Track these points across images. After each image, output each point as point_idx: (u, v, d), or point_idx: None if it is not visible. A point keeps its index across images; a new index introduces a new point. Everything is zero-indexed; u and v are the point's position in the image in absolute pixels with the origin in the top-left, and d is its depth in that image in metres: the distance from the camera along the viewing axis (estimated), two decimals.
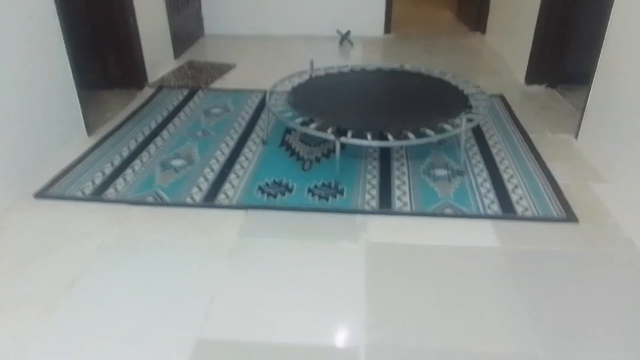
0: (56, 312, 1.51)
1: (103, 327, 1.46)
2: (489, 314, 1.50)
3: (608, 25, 2.26)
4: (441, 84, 2.63)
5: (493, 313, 1.51)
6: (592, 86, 2.41)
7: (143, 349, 1.38)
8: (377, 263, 1.71)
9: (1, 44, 1.97)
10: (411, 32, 4.73)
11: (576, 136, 2.52)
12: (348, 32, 4.27)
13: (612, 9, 2.23)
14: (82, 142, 2.52)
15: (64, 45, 2.36)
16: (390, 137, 2.10)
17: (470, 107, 2.39)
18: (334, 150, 2.27)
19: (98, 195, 2.09)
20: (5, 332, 1.44)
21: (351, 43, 4.22)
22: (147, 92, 3.22)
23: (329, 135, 2.13)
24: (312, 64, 2.80)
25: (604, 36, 2.30)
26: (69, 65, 2.41)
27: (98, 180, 2.19)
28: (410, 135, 2.11)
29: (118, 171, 2.27)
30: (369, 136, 2.10)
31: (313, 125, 2.21)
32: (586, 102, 2.45)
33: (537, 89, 3.25)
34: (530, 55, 3.26)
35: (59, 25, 2.31)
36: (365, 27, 4.47)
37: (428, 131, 2.14)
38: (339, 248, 1.79)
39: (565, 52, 3.17)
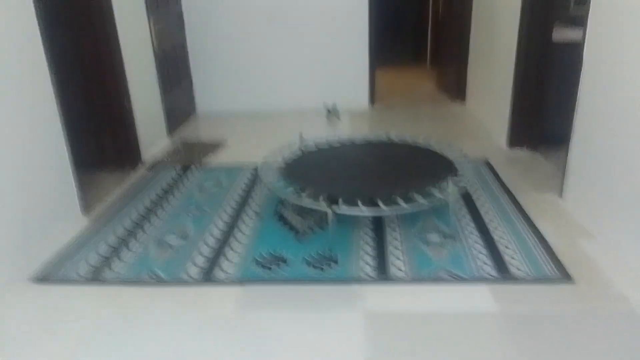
0: None
1: None
2: None
3: (579, 86, 2.40)
4: (427, 152, 2.73)
5: None
6: (570, 146, 2.52)
7: None
8: (375, 332, 1.70)
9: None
10: (395, 102, 4.95)
11: (560, 195, 2.60)
12: (334, 106, 4.45)
13: (582, 71, 2.38)
14: (78, 221, 2.55)
15: (61, 126, 2.43)
16: (380, 204, 2.16)
17: (456, 171, 2.48)
18: (327, 220, 2.32)
19: (94, 276, 2.09)
20: None
21: (338, 117, 4.39)
22: (141, 171, 3.29)
23: (321, 205, 2.18)
24: (301, 136, 2.90)
25: (576, 97, 2.43)
26: (65, 146, 2.47)
27: (93, 261, 2.20)
28: (400, 201, 2.17)
29: (113, 250, 2.28)
30: (359, 203, 2.16)
31: (305, 195, 2.27)
32: (566, 161, 2.55)
33: (519, 152, 3.38)
34: (510, 120, 3.42)
35: (57, 107, 2.39)
36: (351, 100, 4.67)
37: (417, 196, 2.21)
38: (337, 318, 1.79)
39: (543, 115, 3.33)
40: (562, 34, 3.19)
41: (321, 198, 2.21)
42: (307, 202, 2.25)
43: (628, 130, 2.01)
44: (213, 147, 3.72)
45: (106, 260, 2.20)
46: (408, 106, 4.83)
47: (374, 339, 1.67)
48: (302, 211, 2.57)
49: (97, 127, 3.29)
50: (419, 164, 2.61)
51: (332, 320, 1.78)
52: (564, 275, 1.96)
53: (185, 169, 3.29)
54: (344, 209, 2.15)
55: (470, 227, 2.37)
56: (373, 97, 4.78)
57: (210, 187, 2.98)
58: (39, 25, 2.27)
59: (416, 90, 5.56)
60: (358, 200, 2.18)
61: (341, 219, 2.39)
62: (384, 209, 2.16)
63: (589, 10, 2.30)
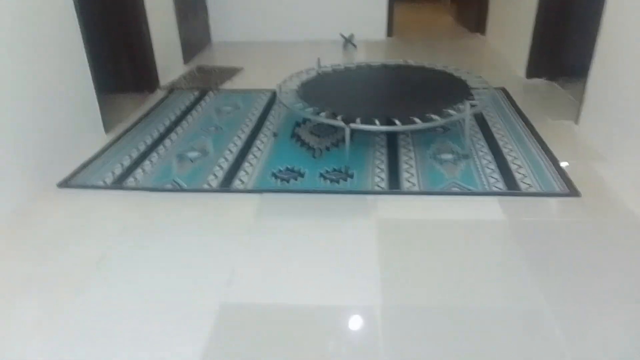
0: (86, 286, 1.59)
1: (132, 298, 1.54)
2: (496, 275, 1.58)
3: (602, 19, 2.36)
4: (444, 76, 2.74)
5: (500, 274, 1.59)
6: (589, 75, 2.50)
7: (172, 315, 1.46)
8: (388, 236, 1.79)
9: (29, 51, 2.09)
10: (412, 35, 4.86)
11: (576, 121, 2.61)
12: (351, 36, 4.39)
13: (606, 3, 2.33)
14: (101, 139, 2.63)
15: (84, 51, 2.48)
16: (397, 122, 2.20)
17: (473, 95, 2.49)
18: (343, 140, 2.38)
19: (118, 184, 2.19)
20: (40, 304, 1.52)
21: (354, 46, 4.34)
22: (160, 94, 3.34)
23: (339, 122, 2.23)
24: (319, 61, 2.91)
25: (598, 29, 2.40)
26: (88, 69, 2.53)
27: (118, 171, 2.29)
28: (417, 120, 2.20)
29: (136, 163, 2.37)
30: (377, 122, 2.20)
31: (323, 115, 2.31)
32: (585, 89, 2.54)
33: (537, 81, 3.35)
34: (530, 50, 3.37)
35: (80, 34, 2.44)
36: (368, 31, 4.60)
37: (433, 116, 2.24)
38: (350, 225, 1.88)
39: (564, 46, 3.28)
40: None
41: (339, 118, 2.25)
42: (324, 119, 2.29)
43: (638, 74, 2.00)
44: (229, 73, 3.73)
45: (130, 171, 2.29)
46: (426, 39, 4.75)
47: (387, 242, 1.75)
48: (319, 131, 2.62)
49: (116, 52, 3.31)
50: (436, 87, 2.62)
51: (347, 226, 1.87)
52: (572, 190, 2.01)
53: (203, 93, 3.33)
54: (360, 125, 2.19)
55: (484, 148, 2.40)
56: (391, 29, 4.70)
57: (228, 110, 3.03)
58: None
59: (435, 24, 5.45)
60: (374, 119, 2.22)
61: (356, 140, 2.44)
62: (398, 126, 2.19)
63: None
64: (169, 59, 3.66)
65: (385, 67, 2.94)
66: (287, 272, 1.63)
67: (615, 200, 1.95)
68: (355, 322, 1.42)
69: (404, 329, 1.38)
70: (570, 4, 3.17)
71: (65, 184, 2.20)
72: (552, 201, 1.97)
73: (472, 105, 2.35)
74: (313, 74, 2.84)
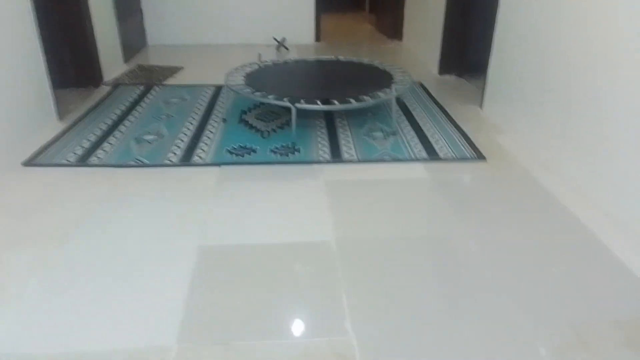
0: (69, 240, 1.77)
1: (112, 249, 1.74)
2: (423, 214, 1.97)
3: (496, 22, 2.89)
4: (371, 68, 3.15)
5: (426, 213, 1.98)
6: (489, 67, 3.02)
7: (153, 259, 1.69)
8: (335, 192, 2.13)
9: None
10: (338, 40, 5.30)
11: (481, 106, 3.12)
12: (284, 39, 4.74)
13: (498, 12, 2.86)
14: (55, 126, 2.75)
15: (40, 47, 2.65)
16: (335, 102, 2.55)
17: (396, 83, 2.91)
18: (287, 124, 2.70)
19: (82, 162, 2.35)
20: (29, 256, 1.69)
21: (287, 49, 4.69)
22: (104, 89, 3.47)
23: (286, 102, 2.55)
24: (259, 55, 3.22)
25: (494, 31, 2.93)
26: (43, 63, 2.70)
27: (79, 152, 2.45)
28: (352, 100, 2.57)
29: (96, 145, 2.53)
30: (318, 102, 2.54)
31: (271, 97, 2.62)
32: (486, 79, 3.05)
33: (448, 77, 3.88)
34: (441, 51, 3.90)
35: (36, 32, 2.61)
36: (298, 36, 4.97)
37: (365, 97, 2.62)
38: (302, 185, 2.19)
39: (468, 47, 3.83)
40: None
41: (285, 99, 2.57)
42: (273, 100, 2.60)
43: (527, 60, 2.52)
44: (171, 71, 3.93)
45: (90, 152, 2.46)
46: (350, 43, 5.21)
47: (334, 196, 2.09)
48: (264, 117, 2.92)
49: (61, 50, 3.41)
50: (365, 76, 3.02)
51: (299, 187, 2.18)
52: (479, 155, 2.47)
53: (148, 88, 3.51)
54: (304, 105, 2.53)
55: (407, 127, 2.83)
56: (319, 34, 5.11)
57: (175, 101, 3.24)
58: None
59: (357, 31, 5.94)
60: (316, 100, 2.56)
61: (299, 123, 2.77)
62: (337, 105, 2.55)
63: None
64: (110, 58, 3.80)
65: (319, 61, 3.31)
66: (252, 221, 1.91)
67: (513, 161, 2.43)
68: (315, 252, 1.74)
69: (355, 254, 1.72)
70: (471, 12, 3.73)
71: (30, 162, 2.32)
72: (465, 164, 2.41)
73: (397, 90, 2.76)
74: (255, 66, 3.14)
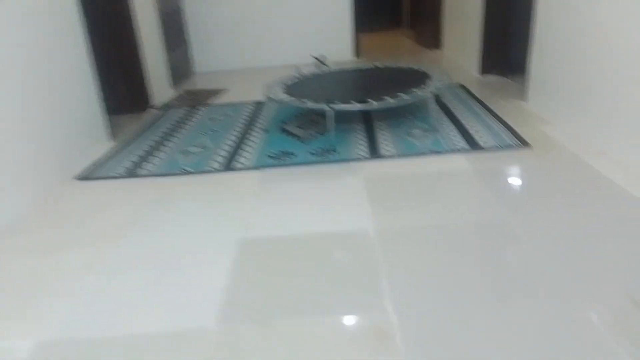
0: (122, 240, 1.85)
1: (160, 245, 1.81)
2: (467, 201, 1.92)
3: (535, 21, 2.84)
4: (409, 70, 3.15)
5: (471, 200, 1.92)
6: (531, 62, 2.95)
7: (197, 251, 1.74)
8: (374, 186, 2.12)
9: (51, 76, 2.42)
10: (378, 55, 5.34)
11: (525, 100, 3.03)
12: (323, 56, 4.83)
13: (536, 9, 2.81)
14: (107, 145, 2.91)
15: (92, 75, 2.85)
16: (370, 100, 2.56)
17: (434, 80, 2.89)
18: (326, 130, 2.73)
19: (132, 174, 2.47)
20: (86, 255, 1.77)
21: (327, 65, 4.77)
22: (153, 113, 3.65)
23: (322, 105, 2.58)
24: (298, 68, 3.29)
25: (533, 29, 2.87)
26: (94, 89, 2.90)
27: (129, 166, 2.57)
28: (388, 98, 2.57)
29: (144, 159, 2.66)
30: (353, 103, 2.56)
31: (308, 103, 2.67)
32: (529, 73, 2.98)
33: (490, 77, 3.81)
34: (482, 52, 3.84)
35: (89, 62, 2.83)
36: (337, 54, 5.06)
37: (403, 95, 2.61)
38: (340, 181, 2.20)
39: (509, 47, 3.76)
40: None
41: (321, 102, 2.61)
42: (310, 105, 2.64)
43: (568, 53, 2.44)
44: (215, 92, 4.09)
45: (139, 165, 2.57)
46: (391, 56, 5.24)
47: (374, 190, 2.08)
48: (304, 125, 2.97)
49: (114, 77, 3.65)
50: (402, 78, 3.02)
51: (337, 184, 2.18)
52: (524, 143, 2.39)
53: (194, 108, 3.66)
54: (340, 105, 2.55)
55: (447, 123, 2.79)
56: (358, 50, 5.18)
57: (219, 117, 3.36)
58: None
59: (397, 46, 5.97)
60: (351, 100, 2.58)
61: (338, 127, 2.79)
62: (373, 104, 2.56)
63: None
64: (159, 83, 4.00)
65: (357, 69, 3.35)
66: (292, 215, 1.93)
67: (561, 148, 2.33)
68: (355, 241, 1.72)
69: (395, 242, 1.69)
70: (509, 11, 3.68)
71: (83, 177, 2.46)
72: (509, 152, 2.34)
73: (435, 87, 2.74)
74: (295, 79, 3.21)
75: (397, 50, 5.64)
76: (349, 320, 1.33)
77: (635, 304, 1.26)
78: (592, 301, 1.30)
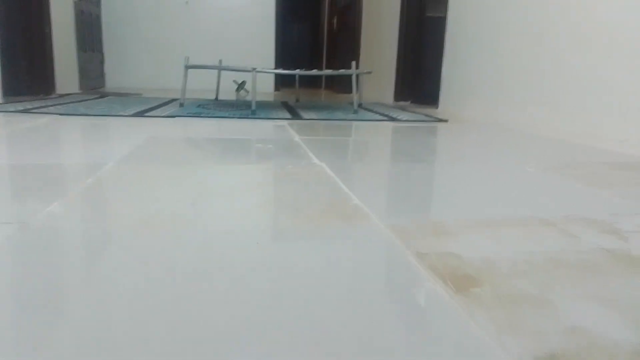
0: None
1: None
2: (375, 132, 1.90)
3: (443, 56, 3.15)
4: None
5: (380, 132, 1.91)
6: (442, 75, 3.19)
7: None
8: (298, 126, 2.05)
9: None
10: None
11: (437, 107, 3.23)
12: (243, 82, 4.87)
13: (444, 48, 3.13)
14: None
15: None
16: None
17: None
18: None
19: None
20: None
21: (247, 91, 4.79)
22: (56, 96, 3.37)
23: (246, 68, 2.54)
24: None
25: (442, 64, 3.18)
26: None
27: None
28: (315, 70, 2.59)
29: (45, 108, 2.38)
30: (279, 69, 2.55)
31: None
32: (440, 85, 3.20)
33: (402, 103, 4.03)
34: (395, 84, 4.10)
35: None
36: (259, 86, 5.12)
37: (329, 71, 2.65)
38: (263, 124, 2.11)
39: (418, 81, 4.06)
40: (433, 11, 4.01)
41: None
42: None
43: (478, 63, 2.72)
44: (126, 95, 3.89)
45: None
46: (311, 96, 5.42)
47: (298, 130, 2.01)
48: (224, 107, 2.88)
49: (19, 57, 3.35)
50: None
51: (263, 124, 2.09)
52: (443, 119, 2.48)
53: (101, 97, 3.43)
54: (264, 70, 2.52)
55: (369, 113, 2.85)
56: (278, 86, 5.29)
57: (131, 101, 3.17)
58: None
59: (316, 94, 6.22)
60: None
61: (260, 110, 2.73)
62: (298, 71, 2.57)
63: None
64: (65, 76, 3.74)
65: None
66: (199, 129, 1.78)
67: (464, 120, 2.46)
68: (284, 144, 1.61)
69: (311, 143, 1.61)
70: (421, 51, 4.02)
71: None
72: (434, 125, 2.42)
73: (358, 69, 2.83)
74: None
75: (316, 95, 5.85)
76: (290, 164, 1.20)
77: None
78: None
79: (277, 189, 1.04)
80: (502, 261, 0.66)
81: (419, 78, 4.04)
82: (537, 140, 1.90)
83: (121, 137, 1.64)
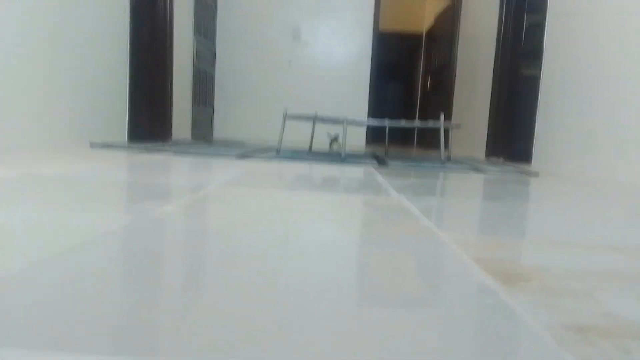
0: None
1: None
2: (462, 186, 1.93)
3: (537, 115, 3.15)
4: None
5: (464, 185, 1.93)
6: (535, 133, 3.16)
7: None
8: (388, 173, 2.14)
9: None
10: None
11: (530, 164, 3.17)
12: (337, 135, 5.11)
13: (537, 106, 3.14)
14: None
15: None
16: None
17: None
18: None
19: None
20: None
21: (340, 145, 5.02)
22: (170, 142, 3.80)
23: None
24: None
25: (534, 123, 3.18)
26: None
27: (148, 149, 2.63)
28: (403, 121, 2.71)
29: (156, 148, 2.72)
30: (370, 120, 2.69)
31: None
32: (533, 142, 3.17)
33: (495, 159, 3.98)
34: (487, 141, 4.09)
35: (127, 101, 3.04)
36: (351, 137, 5.35)
37: (415, 123, 2.75)
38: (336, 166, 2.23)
39: (511, 138, 4.01)
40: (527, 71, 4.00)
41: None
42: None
43: (558, 146, 2.69)
44: (234, 142, 4.26)
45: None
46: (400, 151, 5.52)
47: (387, 176, 2.11)
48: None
49: (141, 105, 3.87)
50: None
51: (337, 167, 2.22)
52: (533, 173, 2.45)
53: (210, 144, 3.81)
54: (356, 119, 2.67)
55: (457, 164, 2.88)
56: (369, 141, 5.48)
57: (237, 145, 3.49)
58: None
59: (408, 150, 6.32)
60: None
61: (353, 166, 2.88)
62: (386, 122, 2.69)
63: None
64: (179, 125, 4.21)
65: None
66: None
67: (561, 177, 2.39)
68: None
69: None
70: (514, 106, 4.00)
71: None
72: (522, 177, 2.40)
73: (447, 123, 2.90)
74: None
75: (406, 151, 5.95)
76: (369, 194, 1.30)
77: None
78: None
79: (351, 209, 1.14)
80: (557, 268, 0.70)
81: (512, 135, 3.99)
82: (632, 196, 1.82)
83: (223, 170, 1.84)
